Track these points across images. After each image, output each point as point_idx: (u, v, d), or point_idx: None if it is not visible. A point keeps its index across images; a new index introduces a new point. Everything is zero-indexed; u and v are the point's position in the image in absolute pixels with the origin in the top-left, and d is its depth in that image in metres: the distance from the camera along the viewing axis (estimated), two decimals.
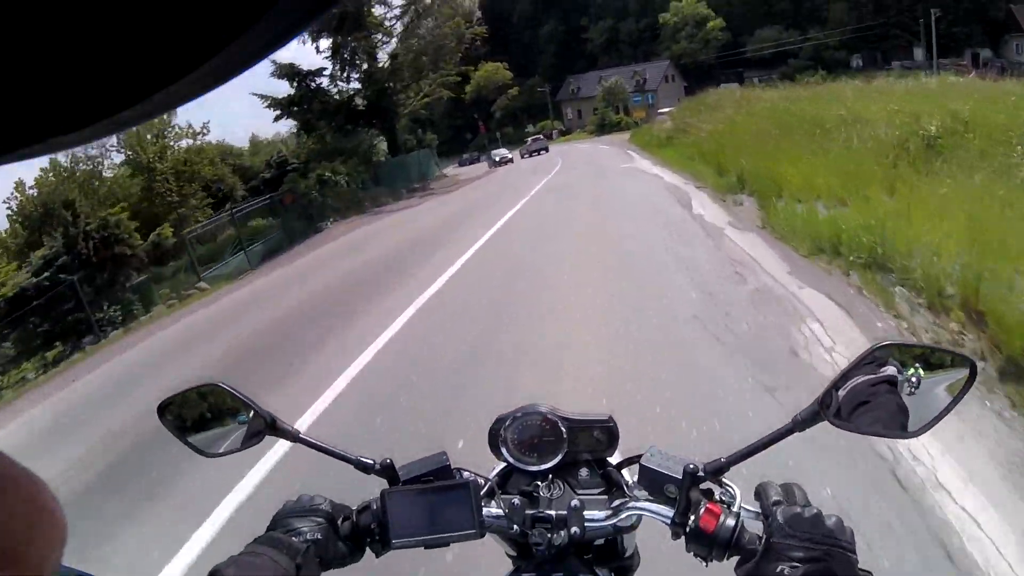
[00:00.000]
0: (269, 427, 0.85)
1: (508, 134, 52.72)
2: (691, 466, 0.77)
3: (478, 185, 22.84)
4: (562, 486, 0.84)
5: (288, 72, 23.71)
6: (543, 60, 62.43)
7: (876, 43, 51.78)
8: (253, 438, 0.86)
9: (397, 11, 25.81)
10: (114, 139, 20.78)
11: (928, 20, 43.75)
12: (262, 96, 24.16)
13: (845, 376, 0.72)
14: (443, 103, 32.48)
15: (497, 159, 34.83)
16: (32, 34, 0.17)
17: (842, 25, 51.79)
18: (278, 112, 24.81)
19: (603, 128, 45.42)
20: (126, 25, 0.18)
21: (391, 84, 25.52)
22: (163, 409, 0.86)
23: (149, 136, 22.87)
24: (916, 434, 0.72)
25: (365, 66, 24.89)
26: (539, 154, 34.95)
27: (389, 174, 25.55)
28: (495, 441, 0.87)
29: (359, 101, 25.65)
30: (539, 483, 0.84)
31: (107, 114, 0.20)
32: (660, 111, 39.54)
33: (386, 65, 25.35)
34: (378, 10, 25.16)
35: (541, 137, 44.06)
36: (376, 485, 0.83)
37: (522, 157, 35.05)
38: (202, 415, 0.88)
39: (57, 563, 0.23)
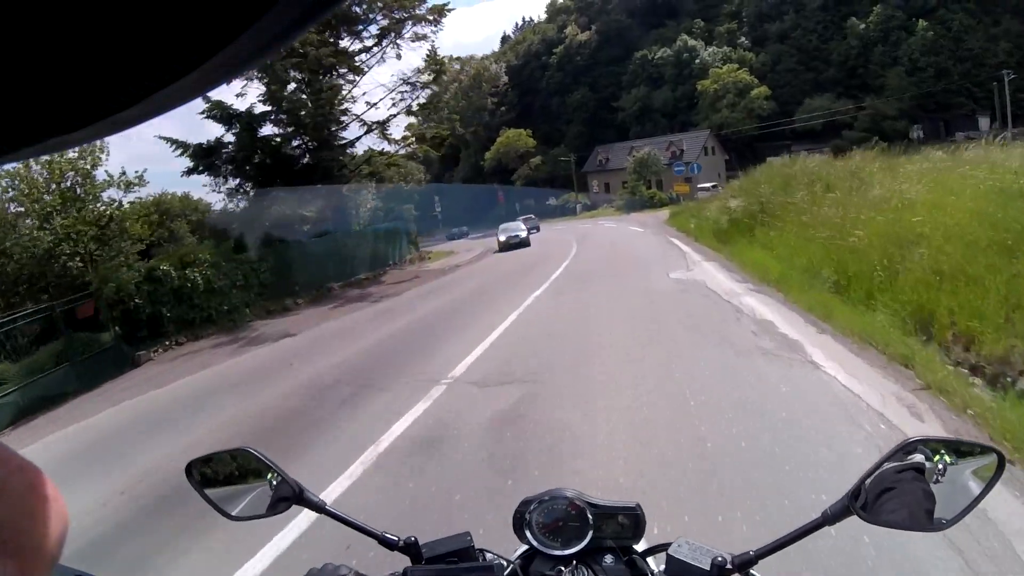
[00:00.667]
0: (296, 496, 0.86)
1: (529, 206, 47.13)
2: (720, 558, 0.78)
3: (458, 279, 15.59)
4: (586, 573, 0.84)
5: (220, 112, 16.50)
6: (570, 130, 58.28)
7: (937, 111, 46.68)
8: (279, 505, 0.87)
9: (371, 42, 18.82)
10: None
11: (998, 84, 38.92)
12: (172, 140, 16.66)
13: (874, 470, 0.74)
14: (423, 172, 24.69)
15: (505, 237, 23.12)
16: (32, 35, 0.17)
17: (900, 93, 46.34)
18: (191, 164, 17.00)
19: (633, 204, 39.33)
20: (126, 25, 0.18)
21: (334, 127, 18.09)
22: (191, 467, 0.87)
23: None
24: (946, 526, 0.72)
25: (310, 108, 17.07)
26: (520, 245, 22.68)
27: (318, 261, 16.71)
28: (520, 523, 0.87)
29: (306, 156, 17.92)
30: (562, 568, 0.84)
31: (107, 114, 0.20)
32: (702, 186, 33.61)
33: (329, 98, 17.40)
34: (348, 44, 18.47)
35: (532, 217, 36.17)
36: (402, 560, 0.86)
37: (500, 249, 22.93)
38: (229, 478, 0.88)
39: (59, 550, 0.23)
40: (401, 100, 19.90)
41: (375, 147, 20.03)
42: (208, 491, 0.87)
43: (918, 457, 0.72)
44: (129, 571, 3.20)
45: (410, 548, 0.86)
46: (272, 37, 0.19)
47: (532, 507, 0.87)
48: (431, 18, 18.65)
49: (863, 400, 3.56)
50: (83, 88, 0.19)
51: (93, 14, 0.17)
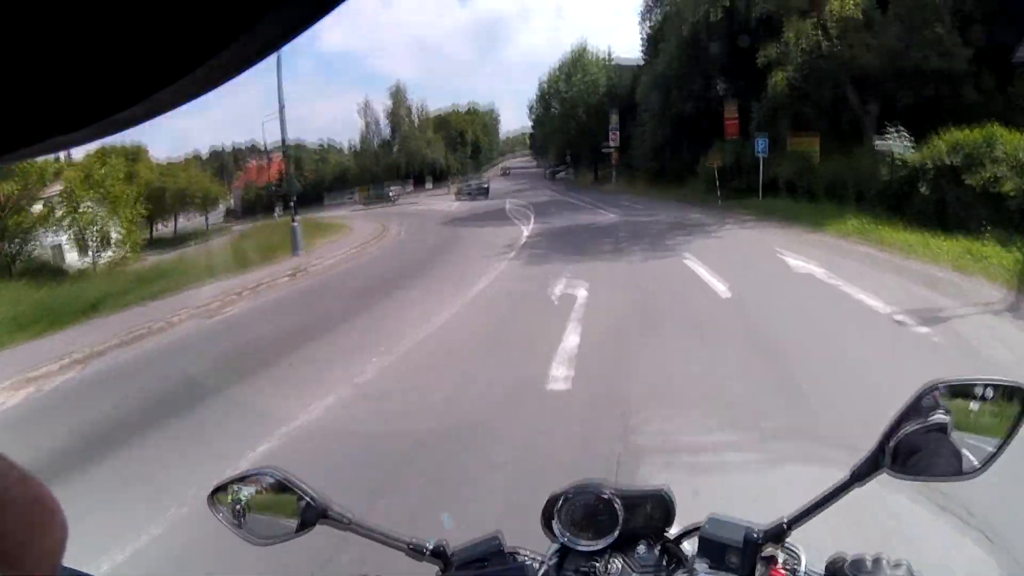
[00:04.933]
0: (323, 515, 0.86)
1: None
2: (753, 533, 0.78)
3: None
4: (620, 564, 0.85)
5: None
6: None
7: None
8: (306, 526, 0.87)
9: None
10: None
11: None
12: None
13: (897, 423, 0.74)
14: None
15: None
16: (32, 35, 0.17)
17: None
18: None
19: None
20: (126, 25, 0.18)
21: None
22: (214, 494, 0.87)
23: None
24: (975, 474, 0.72)
25: None
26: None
27: None
28: (548, 521, 0.87)
29: None
30: (596, 563, 0.85)
31: (107, 114, 0.20)
32: None
33: None
34: None
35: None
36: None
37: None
38: (254, 501, 0.87)
39: (58, 563, 0.23)
40: None
41: None
42: (233, 516, 0.86)
43: (940, 410, 0.72)
44: None
45: (439, 556, 0.86)
46: (272, 37, 0.20)
47: (559, 503, 0.87)
48: None
49: None
50: (83, 88, 0.19)
51: (93, 14, 0.17)
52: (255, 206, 51.83)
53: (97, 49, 0.18)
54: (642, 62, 31.70)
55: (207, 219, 43.99)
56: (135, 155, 45.20)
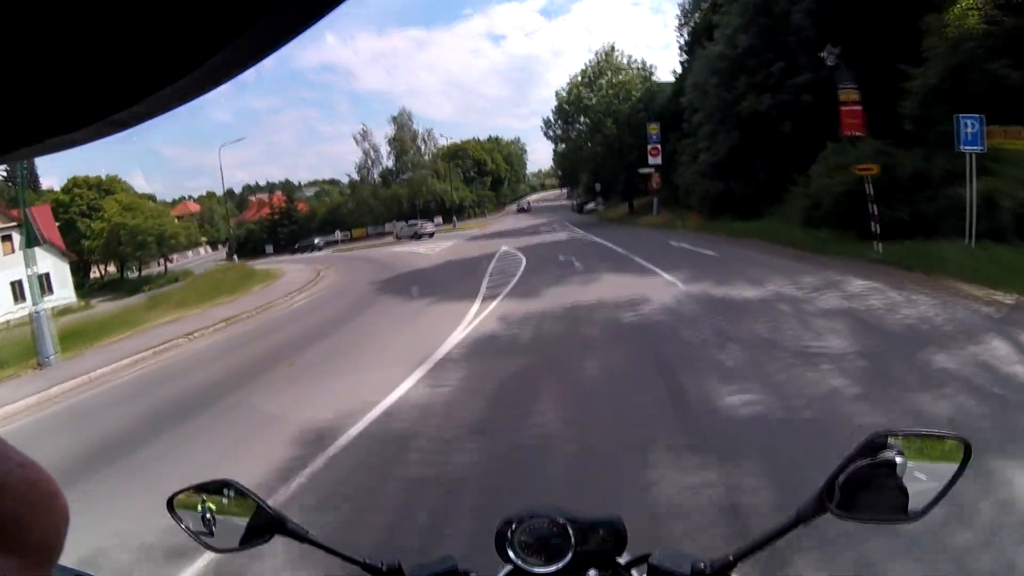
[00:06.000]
0: (278, 526, 0.87)
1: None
2: (700, 564, 0.80)
3: None
4: None
5: None
6: None
7: None
8: (261, 536, 0.88)
9: None
10: None
11: None
12: None
13: (845, 465, 0.74)
14: None
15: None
16: (32, 35, 0.17)
17: None
18: None
19: None
20: (125, 25, 0.18)
21: None
22: (172, 500, 0.89)
23: None
24: (919, 516, 0.73)
25: None
26: None
27: None
28: (502, 543, 0.88)
29: None
30: None
31: (106, 114, 0.20)
32: None
33: None
34: None
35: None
36: None
37: None
38: (211, 509, 0.89)
39: (60, 546, 0.23)
40: None
41: None
42: (190, 523, 0.88)
43: (888, 453, 0.73)
44: None
45: (394, 573, 0.87)
46: (272, 37, 0.19)
47: (513, 526, 0.87)
48: None
49: None
50: (83, 88, 0.19)
51: (93, 14, 0.17)
52: (245, 244, 46.34)
53: (97, 49, 0.18)
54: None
55: (164, 263, 37.39)
56: (109, 187, 39.70)
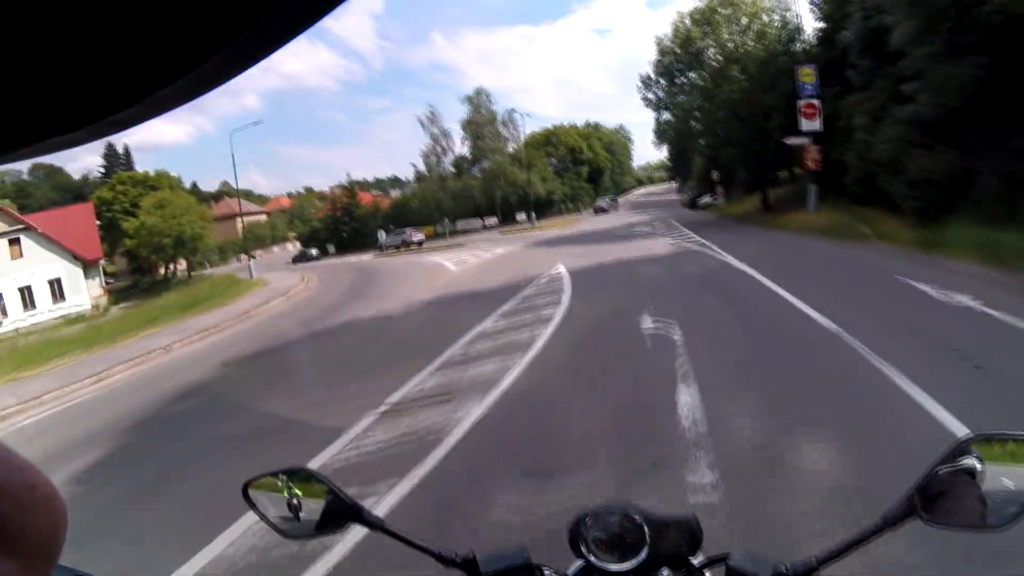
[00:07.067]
0: (353, 514, 0.87)
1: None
2: (781, 567, 0.77)
3: None
4: None
5: None
6: None
7: None
8: (336, 524, 0.87)
9: None
10: None
11: None
12: None
13: (933, 470, 0.72)
14: None
15: None
16: (32, 35, 0.17)
17: None
18: None
19: None
20: (125, 26, 0.18)
21: None
22: (247, 486, 0.87)
23: None
24: (1002, 528, 0.69)
25: None
26: None
27: None
28: (575, 538, 0.86)
29: None
30: None
31: (107, 114, 0.20)
32: None
33: None
34: None
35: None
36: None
37: None
38: (286, 496, 0.88)
39: (59, 548, 0.23)
40: None
41: None
42: (264, 510, 0.87)
43: (971, 459, 0.71)
44: None
45: (467, 565, 0.86)
46: (271, 37, 0.19)
47: (587, 521, 0.85)
48: None
49: None
50: (83, 88, 0.19)
51: (92, 15, 0.17)
52: (308, 243, 42.97)
53: (96, 49, 0.18)
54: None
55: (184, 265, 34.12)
56: (155, 183, 37.45)
